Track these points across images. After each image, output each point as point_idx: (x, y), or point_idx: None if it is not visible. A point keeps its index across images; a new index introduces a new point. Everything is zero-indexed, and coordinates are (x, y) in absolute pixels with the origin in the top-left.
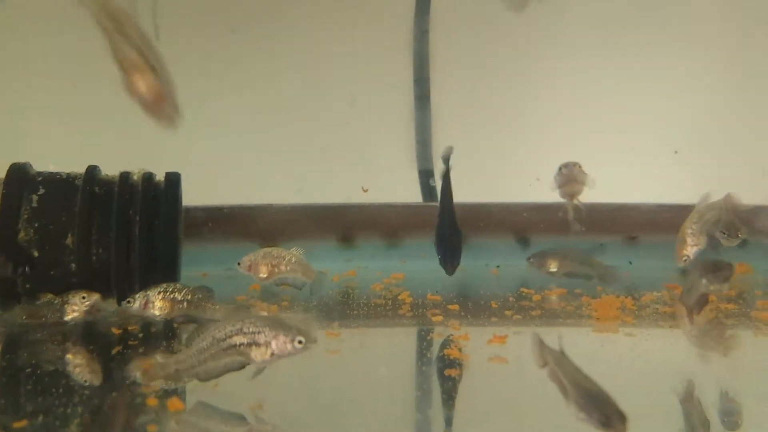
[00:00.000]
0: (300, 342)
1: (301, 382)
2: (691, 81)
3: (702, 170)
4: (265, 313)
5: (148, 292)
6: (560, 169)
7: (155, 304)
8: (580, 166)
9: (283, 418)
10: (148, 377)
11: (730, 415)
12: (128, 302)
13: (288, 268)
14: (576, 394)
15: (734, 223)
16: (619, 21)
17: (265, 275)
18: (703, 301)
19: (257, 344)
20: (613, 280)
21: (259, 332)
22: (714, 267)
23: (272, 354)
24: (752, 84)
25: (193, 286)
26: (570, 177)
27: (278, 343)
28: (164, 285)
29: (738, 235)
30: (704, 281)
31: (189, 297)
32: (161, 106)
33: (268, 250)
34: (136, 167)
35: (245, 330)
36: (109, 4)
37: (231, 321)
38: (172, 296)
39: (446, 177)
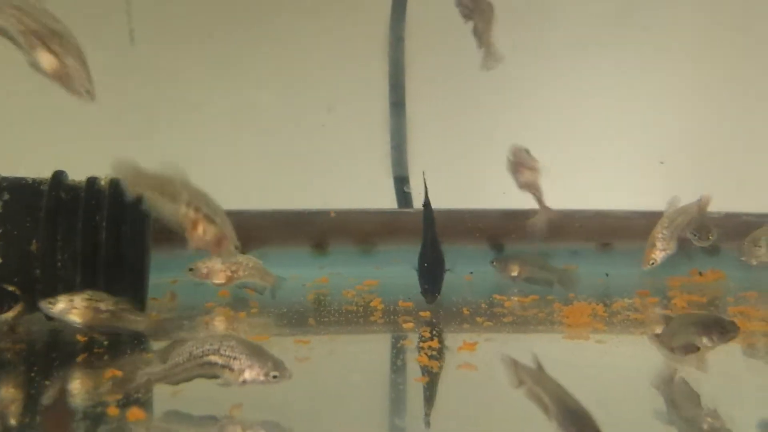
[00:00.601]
0: (274, 377)
1: (269, 390)
2: (670, 89)
3: (678, 177)
4: (220, 320)
5: (73, 297)
6: (507, 157)
7: (77, 310)
8: (527, 151)
9: (250, 427)
10: (118, 386)
11: (700, 420)
12: (50, 303)
13: (246, 273)
14: (554, 410)
15: (706, 225)
16: (599, 27)
17: (224, 281)
18: (693, 348)
19: (231, 369)
20: (571, 285)
21: (235, 358)
22: (720, 327)
23: (244, 381)
24: (734, 94)
25: (119, 297)
26: (518, 162)
27: (251, 373)
28: (90, 293)
29: (709, 237)
30: (705, 339)
31: (112, 307)
32: (223, 246)
33: None
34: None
35: (222, 352)
36: (156, 182)
37: (211, 339)
38: (95, 305)
39: (427, 205)
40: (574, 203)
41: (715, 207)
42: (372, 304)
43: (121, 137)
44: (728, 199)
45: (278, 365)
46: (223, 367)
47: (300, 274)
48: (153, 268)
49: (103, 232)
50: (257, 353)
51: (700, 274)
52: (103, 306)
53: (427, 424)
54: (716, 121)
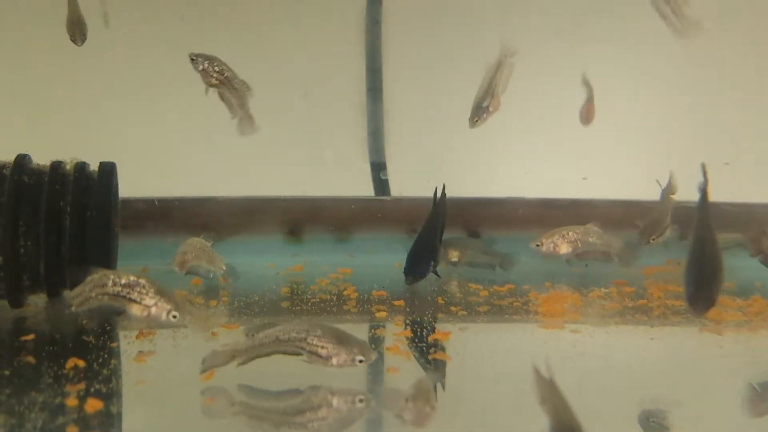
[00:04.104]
0: (360, 361)
1: (238, 381)
2: (648, 78)
3: (655, 165)
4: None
5: None
6: None
7: None
8: None
9: (222, 416)
10: (208, 362)
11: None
12: None
13: (193, 255)
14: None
15: (655, 223)
16: (583, 16)
17: (177, 268)
18: None
19: (318, 355)
20: (511, 268)
21: (322, 346)
22: None
23: (332, 366)
24: (712, 82)
25: None
26: None
27: (339, 359)
28: None
29: (650, 240)
30: None
31: None
32: (161, 315)
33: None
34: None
35: (309, 340)
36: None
37: (297, 327)
38: None
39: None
40: (551, 192)
41: (694, 196)
42: (346, 292)
43: (92, 121)
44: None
45: (363, 349)
46: (310, 353)
47: (274, 261)
48: (123, 255)
49: (68, 218)
50: (343, 340)
51: (679, 264)
52: None
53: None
54: (695, 109)
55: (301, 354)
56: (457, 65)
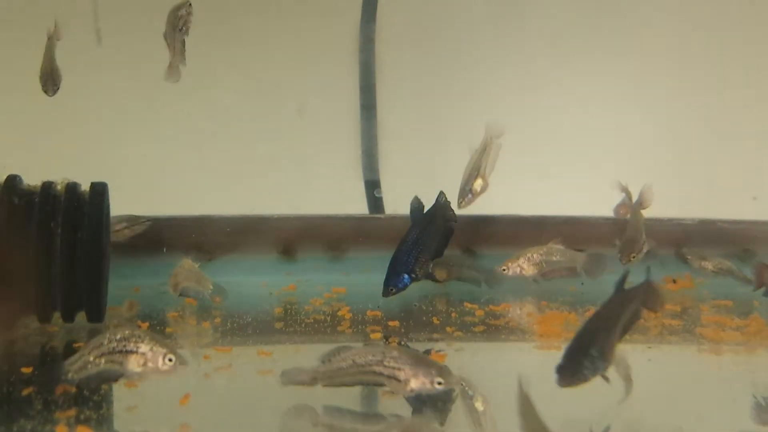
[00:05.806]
0: (439, 383)
1: (229, 405)
2: (642, 96)
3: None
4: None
5: None
6: None
7: None
8: None
9: None
10: (288, 377)
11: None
12: None
13: (182, 277)
14: None
15: (633, 241)
16: (575, 33)
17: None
18: None
19: (396, 379)
20: (499, 283)
21: (399, 369)
22: None
23: (411, 390)
24: (706, 100)
25: None
26: None
27: (417, 382)
28: None
29: (631, 259)
30: None
31: None
32: (154, 364)
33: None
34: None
35: (386, 363)
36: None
37: (373, 350)
38: None
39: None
40: (546, 209)
41: (689, 213)
42: (340, 313)
43: (84, 140)
44: (702, 205)
45: (443, 372)
46: (389, 377)
47: (267, 281)
48: (115, 276)
49: (58, 239)
50: (420, 362)
51: (674, 281)
52: None
53: None
54: (690, 126)
55: (382, 384)
56: (451, 83)
